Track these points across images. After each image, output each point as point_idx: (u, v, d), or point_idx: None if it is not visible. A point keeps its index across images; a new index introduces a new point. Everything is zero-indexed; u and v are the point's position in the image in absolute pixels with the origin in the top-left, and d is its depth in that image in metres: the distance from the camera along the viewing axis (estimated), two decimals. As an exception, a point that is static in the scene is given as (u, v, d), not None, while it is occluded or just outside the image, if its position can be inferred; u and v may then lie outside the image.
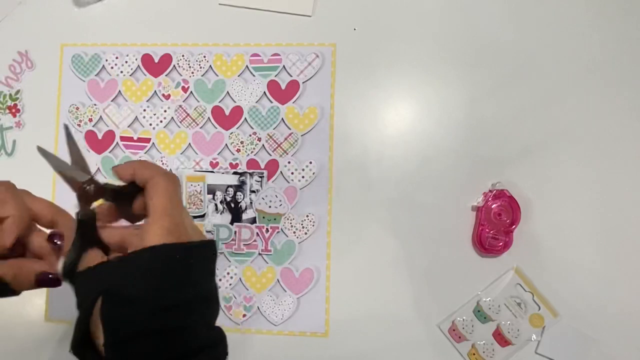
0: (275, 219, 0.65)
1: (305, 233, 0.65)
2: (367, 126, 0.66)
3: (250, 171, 0.66)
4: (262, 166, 0.66)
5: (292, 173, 0.66)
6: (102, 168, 0.68)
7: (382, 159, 0.65)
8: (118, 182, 0.40)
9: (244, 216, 0.66)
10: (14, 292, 0.39)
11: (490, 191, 0.62)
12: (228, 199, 0.66)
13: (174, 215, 0.37)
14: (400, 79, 0.67)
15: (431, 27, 0.67)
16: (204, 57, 0.68)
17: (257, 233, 0.65)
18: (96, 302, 0.34)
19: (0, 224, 0.37)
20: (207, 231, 0.66)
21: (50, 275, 0.39)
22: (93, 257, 0.37)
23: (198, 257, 0.37)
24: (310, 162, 0.66)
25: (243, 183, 0.66)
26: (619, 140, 0.64)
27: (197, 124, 0.68)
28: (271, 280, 0.65)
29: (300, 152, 0.66)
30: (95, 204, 0.40)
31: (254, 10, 0.69)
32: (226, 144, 0.67)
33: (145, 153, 0.68)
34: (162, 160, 0.67)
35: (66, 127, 0.44)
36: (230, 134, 0.67)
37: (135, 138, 0.68)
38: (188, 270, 0.36)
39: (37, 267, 0.39)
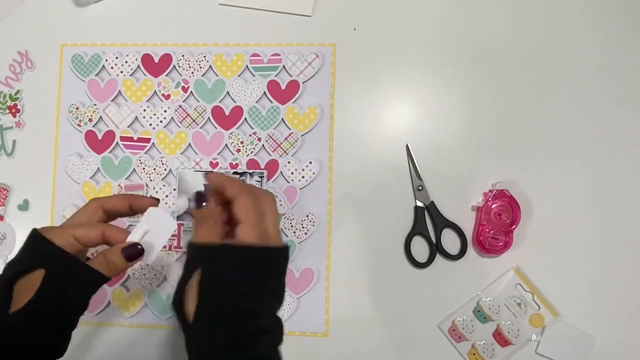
0: (275, 219, 0.65)
1: (305, 233, 0.65)
2: (367, 126, 0.66)
3: (250, 171, 0.66)
4: (262, 166, 0.66)
5: (292, 173, 0.66)
6: (102, 168, 0.68)
7: (382, 159, 0.65)
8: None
9: (244, 216, 0.66)
10: (105, 279, 0.46)
11: (490, 191, 0.62)
12: (228, 199, 0.66)
13: (260, 226, 0.45)
14: (400, 79, 0.67)
15: (431, 27, 0.67)
16: (204, 57, 0.68)
17: (257, 233, 0.65)
18: (194, 272, 0.43)
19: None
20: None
21: (138, 246, 0.47)
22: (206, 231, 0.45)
23: (276, 258, 0.46)
24: (310, 162, 0.66)
25: (243, 183, 0.66)
26: (619, 140, 0.64)
27: (197, 124, 0.68)
28: (271, 280, 0.65)
29: (300, 152, 0.66)
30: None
31: (254, 10, 0.69)
32: (226, 144, 0.67)
33: (145, 153, 0.68)
34: (162, 161, 0.67)
35: None
36: (230, 134, 0.67)
37: (135, 138, 0.68)
38: (268, 267, 0.45)
39: (122, 237, 0.47)
